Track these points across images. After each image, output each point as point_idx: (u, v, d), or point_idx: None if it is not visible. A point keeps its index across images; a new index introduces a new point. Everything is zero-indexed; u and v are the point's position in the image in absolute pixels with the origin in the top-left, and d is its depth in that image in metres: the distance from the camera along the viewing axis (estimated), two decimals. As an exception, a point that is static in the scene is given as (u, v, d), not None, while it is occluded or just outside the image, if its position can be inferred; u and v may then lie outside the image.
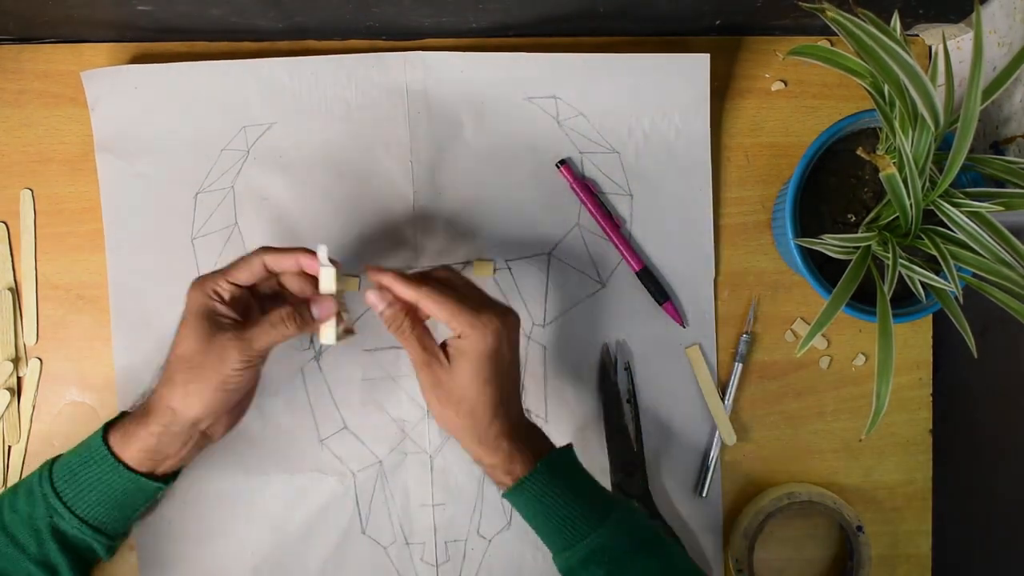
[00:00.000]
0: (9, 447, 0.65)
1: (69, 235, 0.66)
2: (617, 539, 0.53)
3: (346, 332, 0.56)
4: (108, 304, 0.65)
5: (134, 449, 0.53)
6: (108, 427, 0.55)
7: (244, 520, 0.65)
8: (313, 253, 0.54)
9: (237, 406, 0.56)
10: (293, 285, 0.56)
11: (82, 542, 0.54)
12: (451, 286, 0.55)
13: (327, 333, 0.55)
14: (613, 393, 0.66)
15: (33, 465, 0.63)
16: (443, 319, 0.53)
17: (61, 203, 0.65)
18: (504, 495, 0.55)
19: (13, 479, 0.65)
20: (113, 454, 0.53)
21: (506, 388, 0.55)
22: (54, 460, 0.55)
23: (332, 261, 0.54)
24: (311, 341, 0.65)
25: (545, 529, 0.55)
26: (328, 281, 0.54)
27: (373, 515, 0.65)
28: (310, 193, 0.65)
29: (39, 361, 0.65)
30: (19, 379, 0.65)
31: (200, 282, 0.54)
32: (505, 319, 0.54)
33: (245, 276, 0.54)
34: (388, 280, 0.54)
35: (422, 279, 0.55)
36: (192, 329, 0.52)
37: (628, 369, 0.66)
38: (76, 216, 0.65)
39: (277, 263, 0.54)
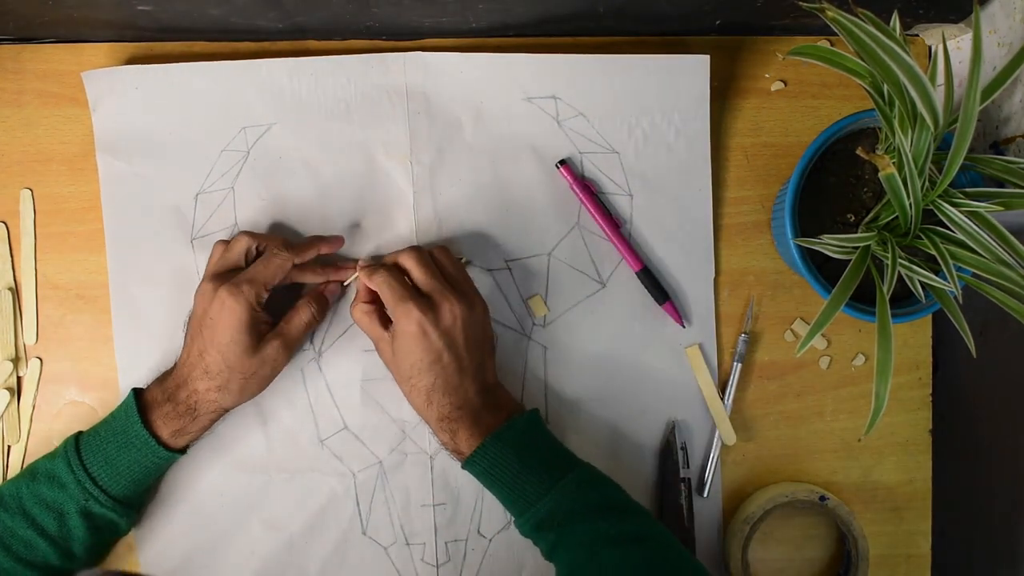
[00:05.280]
0: (9, 447, 0.65)
1: (69, 235, 0.66)
2: (567, 504, 0.55)
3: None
4: (108, 304, 0.65)
5: (168, 431, 0.58)
6: (141, 408, 0.57)
7: (244, 521, 0.65)
8: (325, 241, 0.62)
9: None
10: (306, 278, 0.62)
11: (110, 520, 0.58)
12: (411, 271, 0.59)
13: None
14: (672, 472, 0.66)
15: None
16: (387, 305, 0.58)
17: (61, 203, 0.66)
18: (463, 467, 0.59)
19: (13, 479, 0.65)
20: (161, 442, 0.57)
21: (442, 374, 0.57)
22: (77, 444, 0.57)
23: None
24: (311, 341, 0.65)
25: (501, 499, 0.59)
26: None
27: (373, 515, 0.65)
28: (310, 194, 0.65)
29: (39, 361, 0.65)
30: (19, 379, 0.65)
31: (238, 292, 0.56)
32: (439, 309, 0.57)
33: (279, 279, 0.58)
34: (361, 274, 0.60)
35: (380, 268, 0.59)
36: (241, 344, 0.56)
37: (684, 449, 0.66)
38: (76, 216, 0.65)
39: (303, 258, 0.60)
